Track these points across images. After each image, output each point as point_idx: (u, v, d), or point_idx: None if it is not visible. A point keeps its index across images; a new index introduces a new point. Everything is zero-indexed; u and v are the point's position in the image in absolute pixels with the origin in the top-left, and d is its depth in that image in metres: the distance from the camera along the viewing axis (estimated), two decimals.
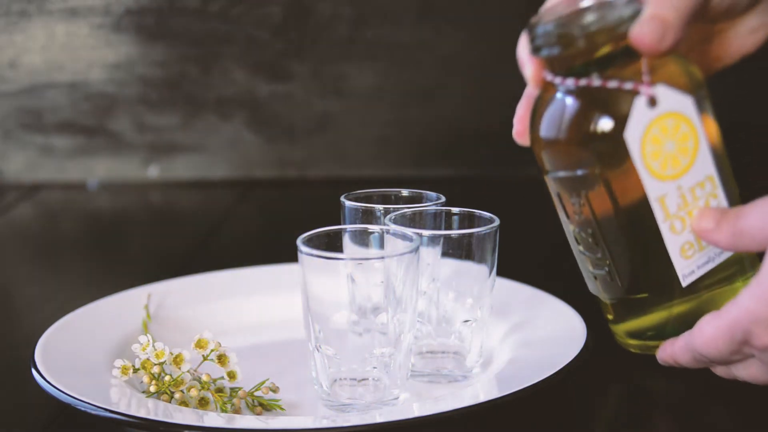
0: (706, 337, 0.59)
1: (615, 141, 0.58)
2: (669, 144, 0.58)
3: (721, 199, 0.60)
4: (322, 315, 0.63)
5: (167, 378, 0.64)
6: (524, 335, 0.72)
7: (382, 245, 0.67)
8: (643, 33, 0.56)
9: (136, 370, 0.65)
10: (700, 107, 0.59)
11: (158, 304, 0.79)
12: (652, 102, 0.57)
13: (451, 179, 1.35)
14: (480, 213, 0.70)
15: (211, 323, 0.75)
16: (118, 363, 0.65)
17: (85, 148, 1.39)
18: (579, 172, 0.60)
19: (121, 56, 1.35)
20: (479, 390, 0.64)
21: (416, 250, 0.62)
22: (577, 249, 0.65)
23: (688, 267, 0.61)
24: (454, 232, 0.69)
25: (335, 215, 0.74)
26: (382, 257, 0.64)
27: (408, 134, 1.37)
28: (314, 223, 0.67)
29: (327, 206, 0.82)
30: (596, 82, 0.58)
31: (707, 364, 0.63)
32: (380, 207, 0.72)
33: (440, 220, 0.72)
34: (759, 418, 0.63)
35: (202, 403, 0.63)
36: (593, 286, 0.67)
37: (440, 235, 0.69)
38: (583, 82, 0.58)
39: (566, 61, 0.59)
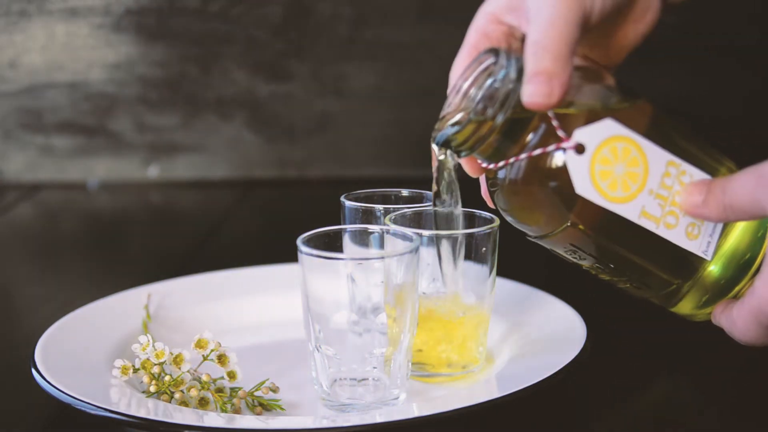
0: (739, 327, 0.60)
1: (570, 198, 0.58)
2: (618, 168, 0.58)
3: (691, 171, 0.60)
4: (322, 315, 0.63)
5: (167, 378, 0.64)
6: (524, 335, 0.72)
7: (382, 245, 0.67)
8: (532, 97, 0.56)
9: (136, 370, 0.65)
10: (621, 111, 0.59)
11: (158, 304, 0.79)
12: (580, 149, 0.57)
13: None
14: (480, 213, 0.70)
15: (211, 323, 0.75)
16: (118, 363, 0.65)
17: (85, 148, 1.39)
18: (556, 232, 0.60)
19: (121, 56, 1.35)
20: (479, 390, 0.64)
21: (416, 250, 0.62)
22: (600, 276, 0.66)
23: (702, 243, 0.61)
24: (455, 232, 0.69)
25: (335, 215, 0.74)
26: (382, 257, 0.64)
27: (408, 134, 1.37)
28: (314, 223, 0.67)
29: (327, 206, 0.82)
30: (523, 156, 0.58)
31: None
32: (380, 207, 0.72)
33: None
34: (759, 420, 0.63)
35: (202, 403, 0.63)
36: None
37: (440, 235, 0.69)
38: (512, 160, 0.59)
39: (486, 147, 0.60)
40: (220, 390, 0.64)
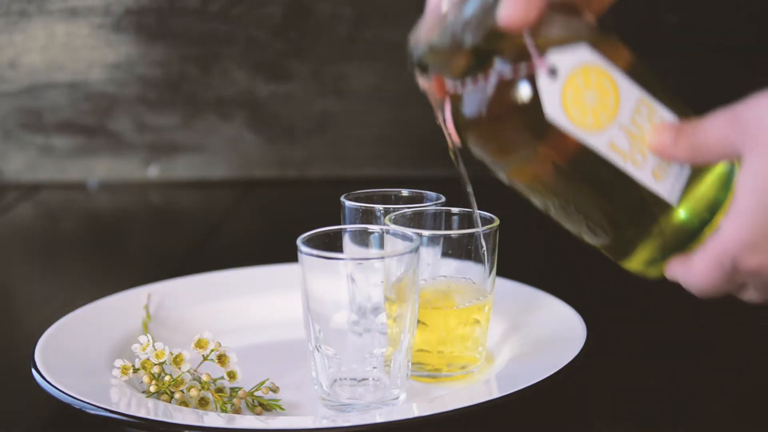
0: (699, 273, 0.57)
1: (539, 124, 0.56)
2: (590, 96, 0.57)
3: (662, 113, 0.59)
4: (322, 315, 0.63)
5: (167, 378, 0.64)
6: (524, 335, 0.72)
7: (382, 245, 0.67)
8: (508, 14, 0.54)
9: (136, 370, 0.65)
10: (597, 43, 0.58)
11: (158, 304, 0.79)
12: (553, 72, 0.56)
13: (451, 179, 1.35)
14: (480, 213, 0.70)
15: (211, 323, 0.75)
16: (118, 363, 0.65)
17: (85, 148, 1.39)
18: (521, 161, 0.58)
19: (121, 56, 1.35)
20: (479, 390, 0.64)
21: (416, 250, 0.62)
22: (555, 217, 0.64)
23: (667, 185, 0.59)
24: (454, 232, 0.69)
25: (335, 215, 0.74)
26: (382, 257, 0.64)
27: (408, 134, 1.37)
28: (314, 223, 0.67)
29: (327, 206, 0.82)
30: (492, 78, 0.56)
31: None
32: (380, 207, 0.72)
33: (440, 220, 0.72)
34: (759, 419, 0.63)
35: (202, 403, 0.63)
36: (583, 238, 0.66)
37: (440, 235, 0.69)
38: (481, 81, 0.57)
39: (458, 68, 0.58)
40: (220, 390, 0.64)
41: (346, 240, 0.67)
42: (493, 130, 0.58)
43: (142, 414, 0.59)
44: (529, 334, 0.72)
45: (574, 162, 0.58)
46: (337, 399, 0.63)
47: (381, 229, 0.67)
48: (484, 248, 0.69)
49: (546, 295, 0.77)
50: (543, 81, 0.55)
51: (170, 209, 1.34)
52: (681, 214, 0.60)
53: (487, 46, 0.57)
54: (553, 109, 0.56)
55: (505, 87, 0.56)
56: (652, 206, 0.60)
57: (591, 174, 0.59)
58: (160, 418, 0.59)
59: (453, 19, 0.58)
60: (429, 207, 0.72)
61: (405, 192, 0.76)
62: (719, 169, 0.60)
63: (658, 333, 0.78)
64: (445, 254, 0.69)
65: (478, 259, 0.68)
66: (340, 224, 0.72)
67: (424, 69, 0.60)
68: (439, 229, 0.71)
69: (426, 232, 0.68)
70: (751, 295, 0.60)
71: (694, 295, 0.60)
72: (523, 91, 0.56)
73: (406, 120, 1.36)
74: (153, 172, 1.40)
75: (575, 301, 0.74)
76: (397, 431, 0.58)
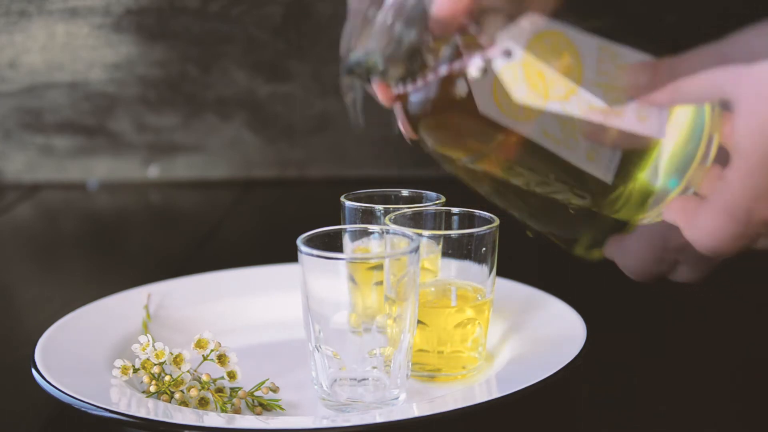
0: (710, 230, 0.51)
1: (504, 108, 0.53)
2: (552, 65, 0.53)
3: (624, 52, 0.55)
4: (322, 315, 0.63)
5: (167, 378, 0.64)
6: (524, 335, 0.72)
7: (382, 245, 0.67)
8: (439, 4, 0.51)
9: (136, 370, 0.65)
10: (537, 7, 0.54)
11: (158, 304, 0.79)
12: (507, 54, 0.52)
13: (451, 179, 1.35)
14: (480, 213, 0.70)
15: (211, 323, 0.75)
16: (118, 363, 0.65)
17: (85, 148, 1.39)
18: (488, 151, 0.56)
19: (121, 56, 1.35)
20: (479, 390, 0.64)
21: (416, 250, 0.62)
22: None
23: (653, 124, 0.56)
24: (454, 232, 0.69)
25: (335, 215, 0.74)
26: (382, 257, 0.64)
27: None
28: (314, 223, 0.67)
29: (327, 206, 0.82)
30: (442, 71, 0.53)
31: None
32: (380, 207, 0.72)
33: (440, 220, 0.72)
34: (759, 420, 0.63)
35: (202, 403, 0.63)
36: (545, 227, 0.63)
37: (440, 235, 0.69)
38: (431, 77, 0.54)
39: (399, 68, 0.55)
40: (220, 390, 0.64)
41: (346, 240, 0.67)
42: (454, 124, 0.55)
43: (142, 414, 0.59)
44: (529, 334, 0.72)
45: (549, 134, 0.55)
46: (337, 399, 0.63)
47: (381, 229, 0.67)
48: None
49: (546, 295, 0.77)
50: (500, 66, 0.52)
51: (170, 209, 1.34)
52: (670, 146, 0.56)
53: (432, 41, 0.54)
54: (519, 91, 0.53)
55: (456, 78, 0.53)
56: (641, 148, 0.56)
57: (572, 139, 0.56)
58: (160, 418, 0.59)
59: (385, 20, 0.54)
60: (429, 207, 0.73)
61: (405, 192, 0.76)
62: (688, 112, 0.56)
63: (659, 333, 0.78)
64: (445, 254, 0.69)
65: (478, 259, 0.68)
66: (340, 224, 0.72)
67: (366, 75, 0.56)
68: (439, 229, 0.71)
69: (426, 232, 0.68)
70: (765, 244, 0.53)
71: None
72: (479, 79, 0.53)
73: None
74: (153, 172, 1.40)
75: (575, 301, 0.74)
76: (397, 431, 0.58)
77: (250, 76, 1.36)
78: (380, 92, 0.58)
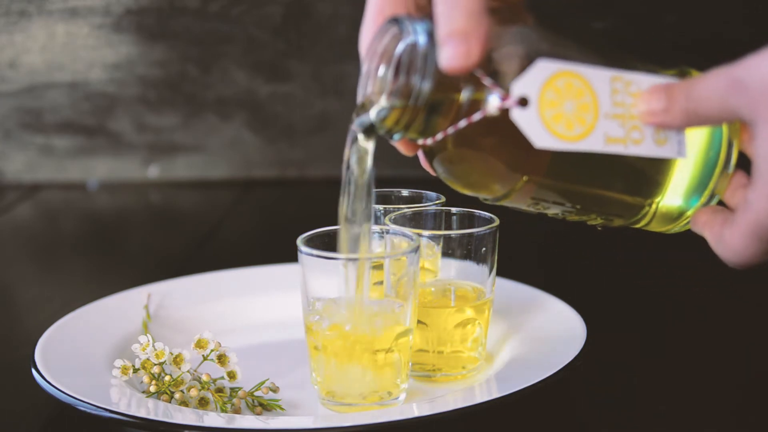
0: (736, 248, 0.54)
1: (524, 153, 0.55)
2: (567, 105, 0.54)
3: (637, 79, 0.57)
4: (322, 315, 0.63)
5: (167, 378, 0.64)
6: (524, 335, 0.72)
7: (381, 245, 0.67)
8: (450, 61, 0.51)
9: (136, 370, 0.65)
10: (547, 45, 0.55)
11: (158, 304, 0.79)
12: (523, 102, 0.53)
13: None
14: (479, 213, 0.70)
15: (211, 323, 0.75)
16: (118, 363, 0.65)
17: (85, 148, 1.39)
18: (515, 190, 0.57)
19: (121, 56, 1.35)
20: (479, 390, 0.64)
21: (416, 249, 0.62)
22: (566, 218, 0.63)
23: (673, 145, 0.57)
24: (454, 232, 0.69)
25: (335, 215, 0.74)
26: (382, 257, 0.64)
27: None
28: (314, 223, 0.67)
29: (327, 206, 0.82)
30: (462, 124, 0.54)
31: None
32: (380, 207, 0.72)
33: (440, 220, 0.72)
34: (759, 420, 0.63)
35: (202, 403, 0.63)
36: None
37: (440, 235, 0.69)
38: (451, 130, 0.55)
39: (418, 123, 0.56)
40: (220, 390, 0.64)
41: None
42: (477, 170, 0.57)
43: (142, 414, 0.59)
44: (529, 334, 0.72)
45: (568, 171, 0.57)
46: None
47: (381, 229, 0.67)
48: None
49: (546, 295, 0.77)
50: (518, 114, 0.53)
51: (170, 209, 1.34)
52: (687, 167, 0.58)
53: (442, 93, 0.54)
54: (539, 137, 0.54)
55: (478, 128, 0.54)
56: (658, 173, 0.58)
57: (589, 174, 0.58)
58: (160, 418, 0.59)
59: (392, 77, 0.55)
60: (429, 207, 0.73)
61: (405, 192, 0.76)
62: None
63: (659, 333, 0.78)
64: (445, 254, 0.69)
65: (478, 259, 0.68)
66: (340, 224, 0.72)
67: (386, 134, 0.57)
68: (439, 229, 0.71)
69: (426, 232, 0.68)
70: None
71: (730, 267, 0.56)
72: (499, 128, 0.54)
73: None
74: (153, 172, 1.40)
75: (575, 301, 0.74)
76: (397, 431, 0.58)
77: (250, 76, 1.36)
78: (402, 146, 0.60)
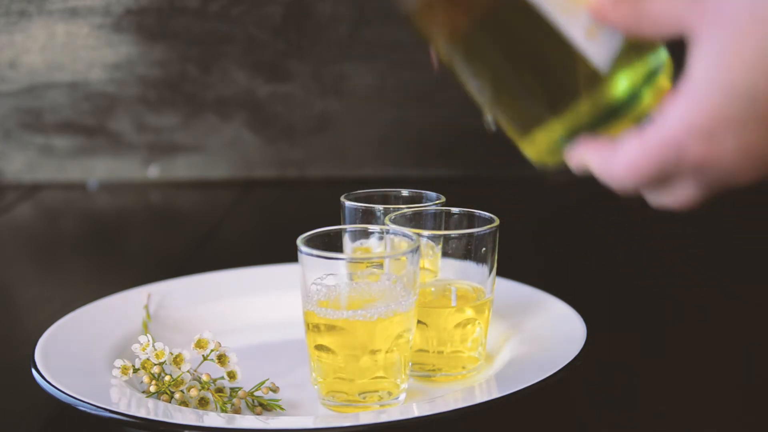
0: (630, 162, 0.50)
1: None
2: None
3: None
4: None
5: (167, 378, 0.64)
6: (524, 335, 0.72)
7: (381, 245, 0.67)
8: None
9: (136, 370, 0.65)
10: None
11: (158, 304, 0.79)
12: None
13: (451, 179, 1.35)
14: (480, 213, 0.70)
15: (211, 323, 0.75)
16: (118, 363, 0.65)
17: (85, 148, 1.39)
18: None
19: (121, 56, 1.35)
20: (479, 390, 0.64)
21: (416, 249, 0.62)
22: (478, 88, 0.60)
23: (600, 50, 0.53)
24: (454, 232, 0.69)
25: (335, 215, 0.74)
26: (382, 257, 0.64)
27: (408, 134, 1.37)
28: (314, 223, 0.67)
29: (327, 206, 0.82)
30: None
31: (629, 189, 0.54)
32: (380, 207, 0.72)
33: (440, 220, 0.72)
34: (759, 419, 0.63)
35: (202, 403, 0.63)
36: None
37: (440, 235, 0.69)
38: None
39: None
40: (220, 390, 0.64)
41: (346, 240, 0.67)
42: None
43: (142, 414, 0.59)
44: (529, 334, 0.72)
45: (508, 17, 0.53)
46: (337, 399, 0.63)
47: (381, 229, 0.67)
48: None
49: (546, 295, 0.77)
50: None
51: (170, 209, 1.34)
52: (608, 83, 0.53)
53: None
54: None
55: None
56: (575, 71, 0.54)
57: (518, 23, 0.53)
58: (160, 418, 0.59)
59: None
60: (429, 207, 0.73)
61: (405, 192, 0.76)
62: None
63: (659, 333, 0.78)
64: (445, 254, 0.69)
65: (478, 259, 0.68)
66: (340, 224, 0.72)
67: None
68: (439, 229, 0.71)
69: (426, 232, 0.68)
70: (677, 196, 0.52)
71: (612, 189, 0.52)
72: None
73: (406, 120, 1.36)
74: (153, 172, 1.40)
75: (575, 301, 0.74)
76: (397, 431, 0.58)
77: (250, 76, 1.36)
78: None
